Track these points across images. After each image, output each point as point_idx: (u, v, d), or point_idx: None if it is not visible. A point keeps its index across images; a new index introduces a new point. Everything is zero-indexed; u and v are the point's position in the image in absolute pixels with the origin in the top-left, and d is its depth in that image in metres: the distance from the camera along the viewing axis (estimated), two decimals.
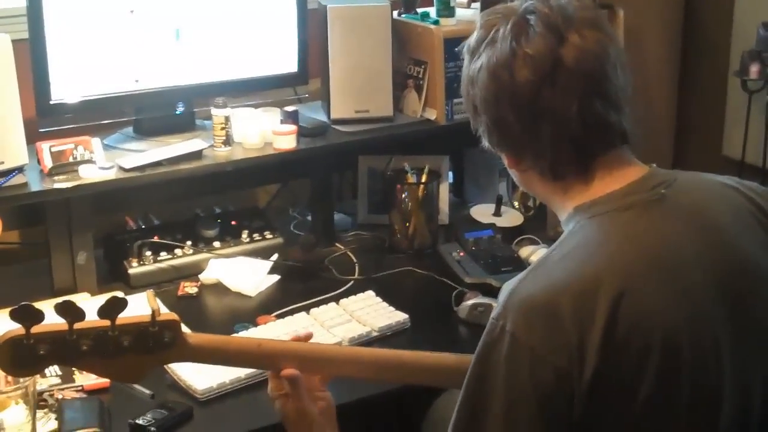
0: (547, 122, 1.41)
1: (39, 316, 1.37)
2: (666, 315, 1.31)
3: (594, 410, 1.29)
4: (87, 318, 1.41)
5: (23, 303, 1.36)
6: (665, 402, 1.31)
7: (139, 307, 2.19)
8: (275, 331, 2.10)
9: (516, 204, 2.84)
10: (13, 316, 1.36)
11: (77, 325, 1.40)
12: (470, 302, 2.21)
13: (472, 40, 1.50)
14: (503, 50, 1.42)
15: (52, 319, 1.40)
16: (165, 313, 1.48)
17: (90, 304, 2.20)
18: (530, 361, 1.28)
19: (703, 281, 1.36)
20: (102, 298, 2.23)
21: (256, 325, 2.16)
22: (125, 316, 1.43)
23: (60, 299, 2.19)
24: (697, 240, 1.39)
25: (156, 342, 1.46)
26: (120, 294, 2.23)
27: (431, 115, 2.69)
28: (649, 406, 1.29)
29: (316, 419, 1.59)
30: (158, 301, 2.21)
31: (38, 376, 1.84)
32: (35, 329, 1.38)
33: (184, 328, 2.07)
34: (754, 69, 3.02)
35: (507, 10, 1.46)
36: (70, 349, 1.41)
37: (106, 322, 1.42)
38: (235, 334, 2.09)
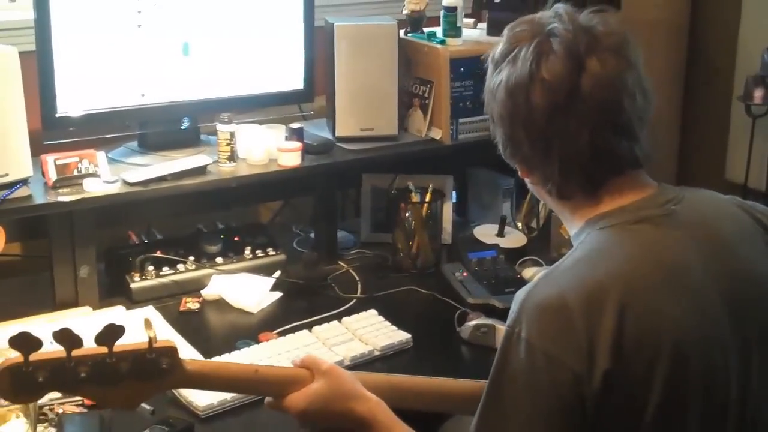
0: (557, 148, 1.43)
1: (37, 343, 1.36)
2: (674, 325, 1.32)
3: (605, 417, 1.29)
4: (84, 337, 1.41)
5: (22, 330, 1.36)
6: (675, 411, 1.31)
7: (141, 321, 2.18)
8: (277, 348, 2.09)
9: (519, 225, 2.84)
10: (12, 343, 1.36)
11: (75, 352, 1.39)
12: (473, 323, 2.20)
13: (497, 51, 1.50)
14: (522, 72, 1.42)
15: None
16: (162, 339, 1.47)
17: (91, 318, 2.21)
18: (547, 366, 1.29)
19: (710, 294, 1.38)
20: (104, 313, 2.25)
21: (258, 342, 2.15)
22: (122, 343, 1.42)
23: (59, 313, 2.20)
24: (705, 254, 1.41)
25: (154, 369, 1.45)
26: (121, 308, 2.26)
27: (436, 134, 2.69)
28: (658, 415, 1.30)
29: (347, 373, 1.61)
30: (161, 316, 2.25)
31: None
32: (33, 356, 1.38)
33: (188, 351, 2.09)
34: (758, 94, 3.03)
35: (533, 27, 1.46)
36: (68, 376, 1.40)
37: (104, 349, 1.41)
38: (236, 351, 2.09)
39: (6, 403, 1.67)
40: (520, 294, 1.37)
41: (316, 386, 1.58)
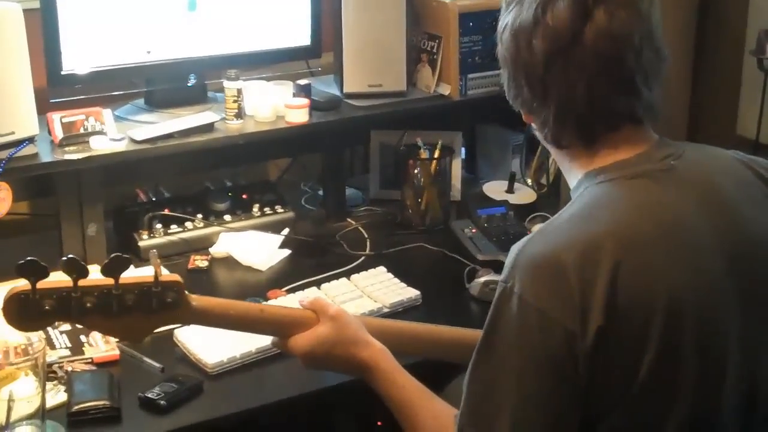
0: (553, 96, 1.41)
1: (44, 271, 1.39)
2: (669, 282, 1.30)
3: (599, 374, 1.29)
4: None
5: (29, 258, 1.37)
6: (669, 369, 1.30)
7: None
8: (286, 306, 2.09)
9: (529, 181, 2.83)
10: (20, 271, 1.38)
11: (82, 282, 1.42)
12: (482, 279, 2.20)
13: None
14: (527, 16, 1.40)
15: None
16: (168, 274, 1.48)
17: (99, 276, 2.21)
18: (539, 322, 1.28)
19: (710, 251, 1.36)
20: None
21: (266, 299, 2.15)
22: (128, 276, 1.44)
23: (62, 272, 2.20)
24: (704, 211, 1.39)
25: (159, 302, 1.47)
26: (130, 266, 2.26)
27: (445, 90, 2.67)
28: (653, 372, 1.29)
29: (355, 318, 1.63)
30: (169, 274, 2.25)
31: (48, 347, 1.84)
32: (41, 285, 1.41)
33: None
34: None
35: None
36: (74, 305, 1.43)
37: (110, 281, 1.44)
38: None
39: (16, 360, 1.68)
40: (514, 249, 1.36)
41: (322, 329, 1.60)
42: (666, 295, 1.29)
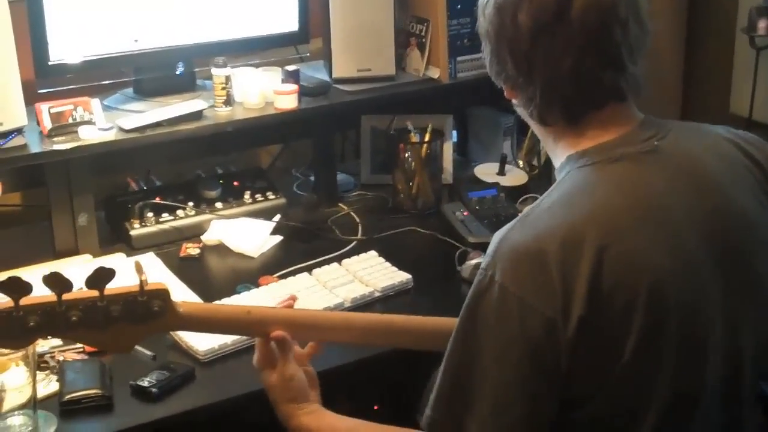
0: (539, 71, 1.40)
1: (27, 288, 1.37)
2: (652, 266, 1.30)
3: (580, 362, 1.28)
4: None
5: (11, 275, 1.36)
6: (652, 354, 1.30)
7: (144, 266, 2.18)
8: (278, 291, 2.09)
9: (520, 163, 2.83)
10: (2, 288, 1.36)
11: (66, 296, 1.40)
12: (474, 262, 2.20)
13: None
14: None
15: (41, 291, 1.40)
16: (154, 282, 1.47)
17: (92, 266, 2.20)
18: (519, 311, 1.27)
19: (693, 234, 1.35)
20: (104, 260, 2.24)
21: (258, 285, 2.15)
22: (114, 287, 1.43)
23: (60, 262, 2.20)
24: (688, 192, 1.37)
25: (145, 311, 1.46)
26: (122, 255, 2.26)
27: (434, 73, 2.67)
28: (635, 359, 1.28)
29: (302, 383, 1.60)
30: (162, 263, 2.25)
31: None
32: (24, 301, 1.39)
33: (189, 296, 2.09)
34: (762, 25, 2.97)
35: None
36: (59, 320, 1.41)
37: (95, 293, 1.42)
38: (236, 295, 2.09)
39: (6, 351, 1.68)
40: (496, 237, 1.35)
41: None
42: (648, 278, 1.29)
